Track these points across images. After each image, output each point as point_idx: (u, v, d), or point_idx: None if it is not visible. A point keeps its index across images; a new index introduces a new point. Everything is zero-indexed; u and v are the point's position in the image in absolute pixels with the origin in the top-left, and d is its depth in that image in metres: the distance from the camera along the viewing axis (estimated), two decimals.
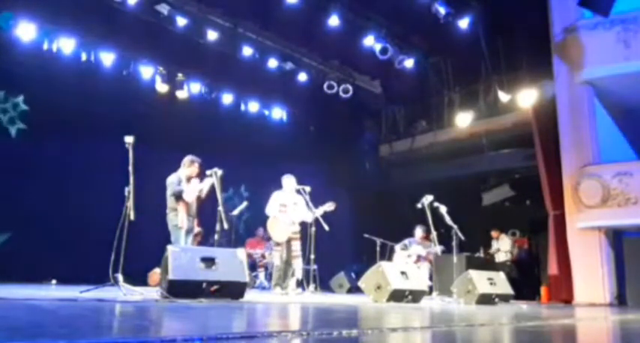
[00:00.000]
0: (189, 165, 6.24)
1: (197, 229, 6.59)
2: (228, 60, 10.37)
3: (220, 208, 5.83)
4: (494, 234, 10.93)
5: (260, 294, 7.09)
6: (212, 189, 6.07)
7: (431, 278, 8.63)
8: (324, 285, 9.82)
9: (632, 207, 8.61)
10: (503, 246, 10.76)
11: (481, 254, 10.47)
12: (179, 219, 5.98)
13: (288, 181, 7.46)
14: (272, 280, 7.55)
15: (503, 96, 10.35)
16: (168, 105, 10.15)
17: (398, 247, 9.42)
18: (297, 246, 7.27)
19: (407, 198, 8.76)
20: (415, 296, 6.41)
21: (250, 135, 11.34)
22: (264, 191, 7.61)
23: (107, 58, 9.68)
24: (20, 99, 9.06)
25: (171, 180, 6.15)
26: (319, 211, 7.29)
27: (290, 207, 7.33)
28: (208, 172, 6.11)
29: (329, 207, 7.28)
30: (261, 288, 8.84)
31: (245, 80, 11.11)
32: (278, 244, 7.29)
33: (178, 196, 6.02)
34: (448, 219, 7.86)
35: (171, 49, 9.80)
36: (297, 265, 7.24)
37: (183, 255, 4.76)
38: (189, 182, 6.18)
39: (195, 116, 10.51)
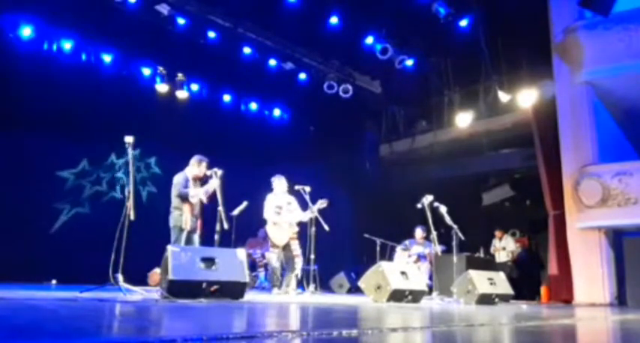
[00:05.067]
0: (197, 165, 6.23)
1: None
2: (228, 60, 10.36)
3: (220, 208, 5.83)
4: (497, 233, 10.94)
5: (260, 294, 7.09)
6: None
7: (431, 278, 8.63)
8: (324, 285, 9.82)
9: (632, 207, 8.61)
10: (507, 246, 10.78)
11: (481, 254, 10.47)
12: (183, 219, 5.97)
13: (279, 182, 7.48)
14: (272, 281, 7.55)
15: (503, 96, 10.35)
16: (168, 105, 10.14)
17: (399, 248, 9.43)
18: (296, 245, 7.29)
19: (407, 198, 8.74)
20: (415, 296, 6.41)
21: (250, 135, 11.34)
22: (264, 191, 7.60)
23: (107, 58, 9.68)
24: None
25: (178, 180, 6.12)
26: (314, 209, 7.27)
27: (285, 207, 7.34)
28: (208, 172, 6.11)
29: (322, 204, 7.27)
30: (261, 288, 8.84)
31: (245, 80, 11.11)
32: (276, 246, 7.29)
33: (184, 198, 6.02)
34: (448, 219, 7.85)
35: (171, 49, 9.79)
36: (298, 264, 7.26)
37: (183, 255, 4.76)
38: (195, 182, 6.18)
39: (195, 116, 10.50)
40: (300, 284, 7.69)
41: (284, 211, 7.33)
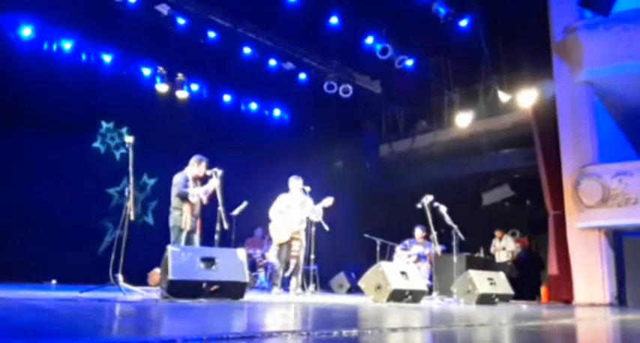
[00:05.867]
0: (197, 165, 6.23)
1: None
2: (228, 60, 10.36)
3: (220, 208, 5.82)
4: (498, 233, 10.94)
5: (260, 294, 7.09)
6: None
7: (431, 278, 8.63)
8: (324, 285, 9.82)
9: (632, 207, 8.61)
10: (507, 246, 10.78)
11: (481, 254, 10.48)
12: (183, 219, 5.96)
13: (295, 183, 7.44)
14: (272, 280, 7.55)
15: (503, 96, 10.35)
16: (169, 105, 10.14)
17: (399, 247, 9.42)
18: (296, 246, 7.23)
19: (407, 198, 8.74)
20: (415, 296, 6.41)
21: (250, 135, 11.34)
22: (264, 191, 7.60)
23: (107, 58, 9.68)
24: None
25: (178, 179, 6.11)
26: (319, 207, 7.26)
27: (295, 207, 7.30)
28: (208, 172, 6.11)
29: (327, 202, 7.26)
30: (261, 288, 8.84)
31: (245, 80, 11.11)
32: (279, 245, 7.29)
33: (184, 197, 6.01)
34: (448, 219, 7.85)
35: (171, 49, 9.79)
36: (293, 265, 7.17)
37: (183, 255, 4.76)
38: (195, 182, 6.18)
39: (195, 116, 10.50)
40: (301, 285, 7.68)
41: (294, 210, 7.29)
